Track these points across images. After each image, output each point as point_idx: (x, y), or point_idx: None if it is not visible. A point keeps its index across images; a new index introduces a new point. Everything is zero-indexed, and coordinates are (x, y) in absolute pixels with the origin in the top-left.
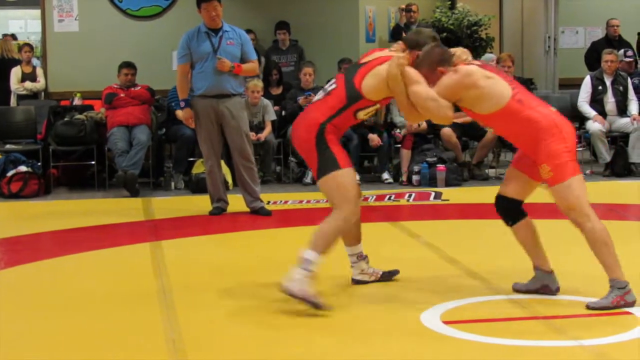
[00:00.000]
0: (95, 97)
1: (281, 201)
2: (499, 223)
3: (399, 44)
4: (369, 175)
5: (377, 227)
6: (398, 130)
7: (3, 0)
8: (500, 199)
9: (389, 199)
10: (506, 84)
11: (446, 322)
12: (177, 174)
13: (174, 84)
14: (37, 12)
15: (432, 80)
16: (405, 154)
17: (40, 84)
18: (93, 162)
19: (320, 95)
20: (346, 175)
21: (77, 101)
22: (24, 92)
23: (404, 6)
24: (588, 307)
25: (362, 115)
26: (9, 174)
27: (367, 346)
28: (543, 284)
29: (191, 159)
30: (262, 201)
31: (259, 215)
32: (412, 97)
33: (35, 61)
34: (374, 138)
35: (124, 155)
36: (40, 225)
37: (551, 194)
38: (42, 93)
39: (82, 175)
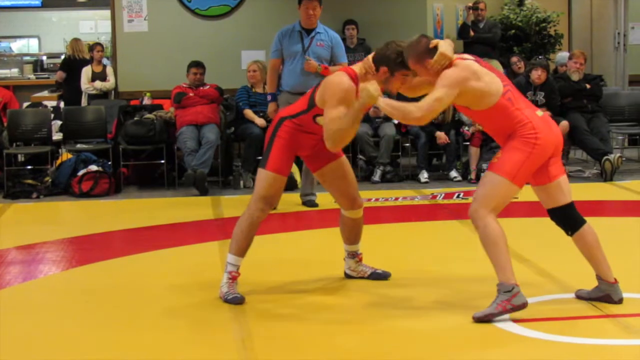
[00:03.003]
0: (164, 97)
1: None
2: None
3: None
4: (437, 173)
5: (446, 225)
6: (466, 128)
7: (74, 2)
8: (549, 213)
9: (458, 197)
10: (499, 80)
11: (516, 321)
12: (245, 172)
13: (242, 83)
14: (107, 13)
15: (423, 73)
16: (474, 151)
17: (109, 83)
18: (162, 161)
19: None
20: (265, 177)
21: (146, 101)
22: (94, 92)
23: (471, 4)
24: (474, 318)
25: (320, 121)
26: (80, 173)
27: (436, 345)
28: (605, 294)
29: (259, 157)
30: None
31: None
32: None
33: (105, 61)
34: (440, 136)
35: (193, 154)
36: (111, 224)
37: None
38: (112, 93)
39: (152, 174)
